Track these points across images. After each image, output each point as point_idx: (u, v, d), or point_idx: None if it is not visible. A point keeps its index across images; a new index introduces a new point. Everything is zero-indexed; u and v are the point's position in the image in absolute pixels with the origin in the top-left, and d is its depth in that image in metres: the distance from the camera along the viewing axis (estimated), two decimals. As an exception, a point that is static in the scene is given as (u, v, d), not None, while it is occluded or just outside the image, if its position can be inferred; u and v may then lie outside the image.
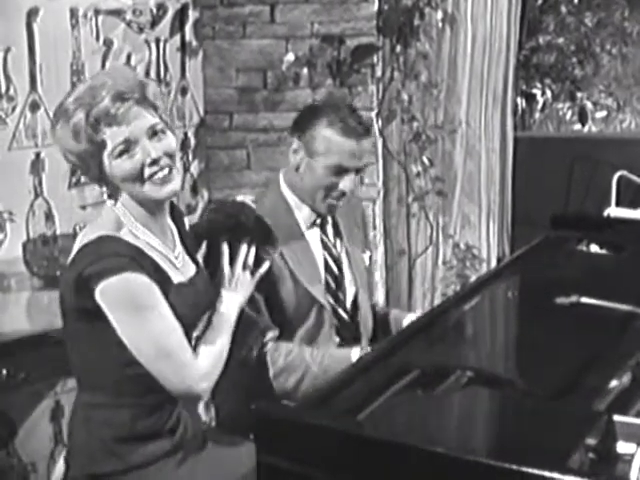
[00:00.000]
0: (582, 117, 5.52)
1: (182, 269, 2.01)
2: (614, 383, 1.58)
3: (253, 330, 2.21)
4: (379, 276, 3.79)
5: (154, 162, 1.86)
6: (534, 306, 2.07)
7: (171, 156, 1.90)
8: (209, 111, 3.65)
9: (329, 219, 2.43)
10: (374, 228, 3.66)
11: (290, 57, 3.49)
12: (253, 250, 2.16)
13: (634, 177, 4.04)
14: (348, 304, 2.43)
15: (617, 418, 1.41)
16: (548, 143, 4.91)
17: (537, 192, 4.23)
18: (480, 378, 1.60)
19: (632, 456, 1.34)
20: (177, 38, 3.53)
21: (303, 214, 2.36)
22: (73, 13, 3.12)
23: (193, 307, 1.97)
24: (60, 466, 2.14)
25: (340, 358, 2.21)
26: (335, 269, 2.40)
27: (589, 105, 5.55)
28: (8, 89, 2.94)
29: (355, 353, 2.23)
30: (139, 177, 1.87)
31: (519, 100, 5.04)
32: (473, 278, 3.88)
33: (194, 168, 3.66)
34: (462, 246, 4.04)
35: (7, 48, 2.91)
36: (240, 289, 2.10)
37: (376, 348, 2.04)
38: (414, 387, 1.59)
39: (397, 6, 3.56)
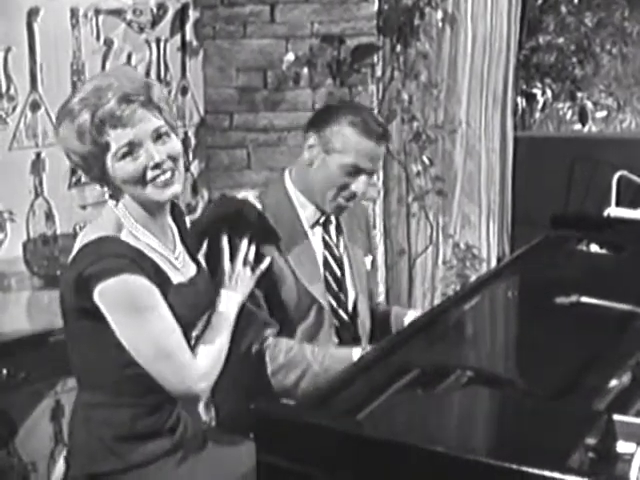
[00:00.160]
0: (582, 117, 5.53)
1: (182, 269, 2.01)
2: (614, 383, 1.58)
3: (253, 325, 2.21)
4: (379, 276, 3.79)
5: (157, 165, 1.86)
6: (534, 306, 2.07)
7: (174, 159, 1.90)
8: (209, 111, 3.65)
9: (333, 220, 2.42)
10: (374, 227, 3.66)
11: (290, 57, 3.49)
12: (253, 247, 2.16)
13: (634, 177, 4.05)
14: (350, 305, 2.42)
15: (617, 418, 1.41)
16: (548, 143, 4.91)
17: (537, 192, 4.23)
18: (480, 378, 1.60)
19: (632, 455, 1.34)
20: (177, 38, 3.53)
21: (307, 212, 2.35)
22: (73, 13, 3.12)
23: (193, 307, 1.98)
24: (60, 466, 2.14)
25: (341, 357, 2.21)
26: (337, 270, 2.40)
27: (589, 105, 5.55)
28: (9, 89, 2.94)
29: (356, 353, 2.23)
30: (141, 180, 1.87)
31: (519, 100, 5.05)
32: (473, 278, 3.88)
33: (194, 168, 3.66)
34: (462, 246, 4.04)
35: (7, 48, 2.91)
36: (240, 286, 2.11)
37: (376, 347, 2.04)
38: (414, 387, 1.59)
39: (397, 6, 3.57)
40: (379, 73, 3.65)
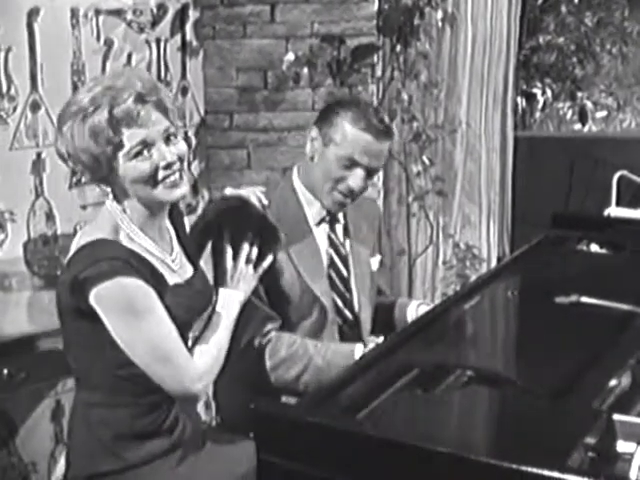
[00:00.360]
0: (582, 117, 5.52)
1: (179, 271, 2.01)
2: (614, 382, 1.58)
3: (254, 318, 2.21)
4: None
5: (168, 165, 1.87)
6: (534, 305, 2.07)
7: (182, 160, 1.92)
8: (209, 111, 3.65)
9: (340, 219, 2.41)
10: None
11: (290, 57, 3.49)
12: (256, 245, 2.17)
13: (634, 177, 4.05)
14: (355, 304, 2.41)
15: (617, 417, 1.41)
16: (548, 143, 4.91)
17: (537, 192, 4.23)
18: (480, 377, 1.60)
19: (632, 455, 1.34)
20: (178, 38, 3.54)
21: (313, 210, 2.35)
22: (74, 13, 3.12)
23: (189, 308, 1.97)
24: (61, 465, 2.14)
25: (344, 353, 2.20)
26: (342, 268, 2.39)
27: (589, 105, 5.55)
28: (9, 89, 2.94)
29: (359, 349, 2.22)
30: (152, 179, 1.87)
31: (519, 100, 5.05)
32: (473, 278, 3.88)
33: (195, 168, 3.66)
34: (462, 246, 4.04)
35: (8, 48, 2.91)
36: (242, 284, 2.11)
37: (377, 347, 2.04)
38: (414, 386, 1.59)
39: (397, 6, 3.57)
40: (379, 73, 3.66)
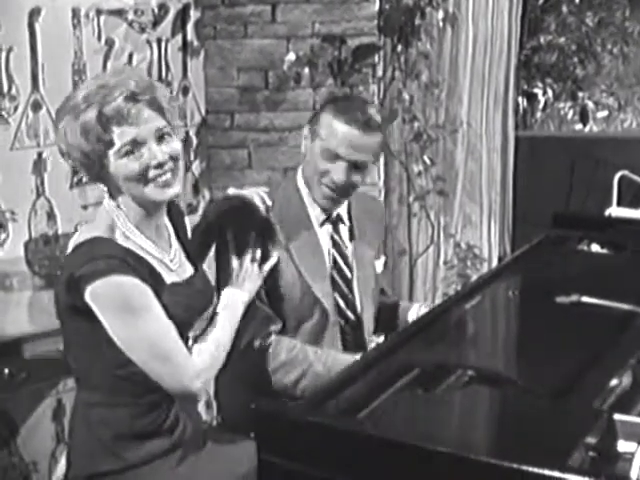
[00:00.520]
0: (583, 117, 5.53)
1: (178, 270, 2.00)
2: (614, 382, 1.58)
3: (255, 319, 2.20)
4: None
5: (159, 165, 1.87)
6: (535, 305, 2.07)
7: (175, 160, 1.91)
8: (210, 111, 3.65)
9: (346, 220, 2.40)
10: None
11: (291, 57, 3.49)
12: (260, 244, 2.16)
13: (635, 177, 4.04)
14: (358, 306, 2.40)
15: (618, 417, 1.41)
16: (549, 143, 4.91)
17: (538, 192, 4.23)
18: (481, 377, 1.60)
19: (633, 455, 1.34)
20: (179, 38, 3.54)
21: (316, 210, 2.34)
22: (75, 13, 3.12)
23: (188, 307, 1.97)
24: (62, 465, 2.14)
25: (345, 362, 2.16)
26: (345, 269, 2.38)
27: (590, 105, 5.56)
28: (10, 89, 2.94)
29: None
30: (142, 178, 1.87)
31: (520, 100, 5.05)
32: (474, 277, 3.88)
33: (195, 167, 3.67)
34: (463, 245, 4.04)
35: (9, 48, 2.91)
36: (247, 283, 2.11)
37: (378, 347, 2.04)
38: (415, 386, 1.59)
39: (398, 6, 3.57)
40: (380, 73, 3.66)
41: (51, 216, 3.08)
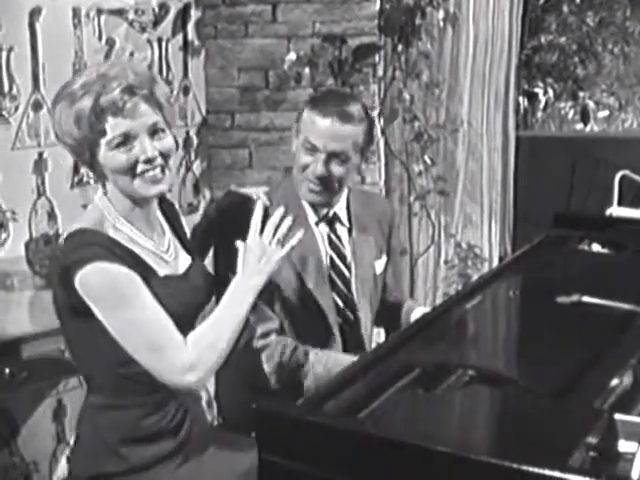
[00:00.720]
0: (584, 116, 5.52)
1: (172, 262, 1.99)
2: (615, 382, 1.58)
3: (253, 318, 2.18)
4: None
5: (148, 160, 1.87)
6: (535, 305, 2.07)
7: (166, 156, 1.90)
8: (211, 110, 3.65)
9: (344, 220, 2.40)
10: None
11: (292, 56, 3.49)
12: (289, 218, 2.01)
13: (636, 176, 4.04)
14: (356, 305, 2.38)
15: (618, 417, 1.41)
16: (550, 142, 4.91)
17: (539, 191, 4.23)
18: (481, 377, 1.60)
19: (634, 455, 1.34)
20: (179, 37, 3.54)
21: (309, 208, 2.35)
22: (75, 12, 3.12)
23: (183, 300, 1.94)
24: (62, 465, 2.14)
25: (344, 363, 2.15)
26: (344, 270, 2.38)
27: (591, 104, 5.55)
28: (11, 88, 2.94)
29: None
30: (130, 172, 1.87)
31: (521, 99, 5.05)
32: (475, 277, 3.88)
33: (196, 167, 3.67)
34: (464, 245, 4.04)
35: (10, 47, 2.91)
36: (267, 266, 1.96)
37: (378, 346, 2.04)
38: (415, 386, 1.59)
39: (399, 5, 3.57)
40: (381, 73, 3.66)
41: (52, 216, 3.08)
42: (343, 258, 2.38)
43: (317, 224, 2.36)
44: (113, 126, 1.84)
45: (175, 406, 1.96)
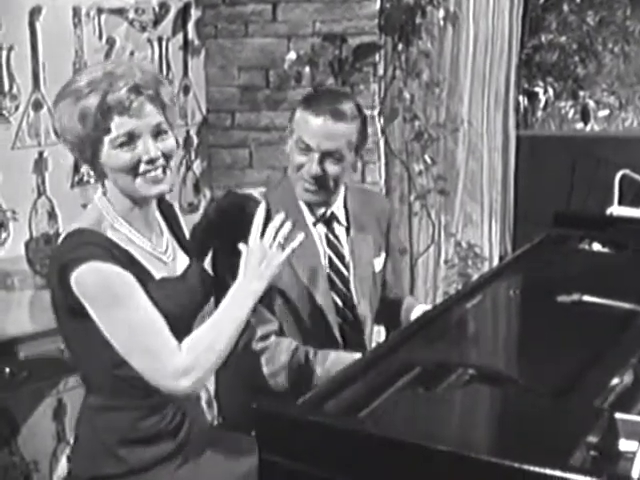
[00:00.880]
0: (584, 116, 5.52)
1: (170, 264, 1.99)
2: (616, 381, 1.58)
3: (252, 320, 2.17)
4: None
5: (151, 161, 1.87)
6: (536, 304, 2.07)
7: (168, 157, 1.90)
8: (211, 110, 3.65)
9: (342, 220, 2.40)
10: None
11: (292, 56, 3.49)
12: (289, 222, 1.99)
13: (636, 176, 4.04)
14: (356, 304, 2.38)
15: (619, 416, 1.41)
16: (550, 142, 4.90)
17: (539, 191, 4.23)
18: (482, 376, 1.60)
19: (634, 454, 1.34)
20: (179, 37, 3.54)
21: (306, 208, 2.35)
22: (76, 12, 3.12)
23: (179, 303, 1.93)
24: (63, 464, 2.14)
25: (344, 362, 2.15)
26: (343, 269, 2.37)
27: (591, 104, 5.55)
28: (11, 88, 2.94)
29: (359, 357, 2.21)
30: (132, 171, 1.87)
31: (521, 99, 5.04)
32: (475, 277, 3.87)
33: (196, 166, 3.67)
34: (464, 244, 4.04)
35: (10, 47, 2.91)
36: (267, 270, 1.94)
37: (378, 346, 2.04)
38: (416, 385, 1.59)
39: (399, 4, 3.57)
40: (381, 72, 3.66)
41: (52, 215, 3.08)
42: (341, 258, 2.38)
43: (315, 224, 2.36)
44: (118, 125, 1.84)
45: (173, 408, 1.96)
